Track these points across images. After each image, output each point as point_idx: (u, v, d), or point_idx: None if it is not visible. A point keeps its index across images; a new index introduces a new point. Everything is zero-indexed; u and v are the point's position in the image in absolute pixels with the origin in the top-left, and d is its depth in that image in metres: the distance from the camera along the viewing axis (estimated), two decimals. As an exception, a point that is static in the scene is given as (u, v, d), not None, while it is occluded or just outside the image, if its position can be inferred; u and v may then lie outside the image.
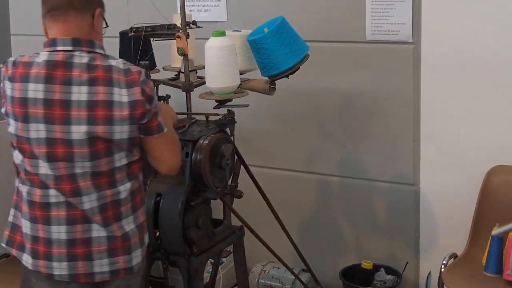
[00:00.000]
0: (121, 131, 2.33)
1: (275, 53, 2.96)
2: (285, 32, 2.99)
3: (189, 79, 3.06)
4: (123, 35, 3.20)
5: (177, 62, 3.17)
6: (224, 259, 3.95)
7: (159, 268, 2.97)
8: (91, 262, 2.40)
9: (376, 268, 3.78)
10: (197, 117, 3.06)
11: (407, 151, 3.77)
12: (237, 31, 3.15)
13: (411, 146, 3.75)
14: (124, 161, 2.40)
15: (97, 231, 2.39)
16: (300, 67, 3.01)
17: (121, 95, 2.31)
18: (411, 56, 3.65)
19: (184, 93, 3.07)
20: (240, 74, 3.02)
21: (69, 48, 2.36)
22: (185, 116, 3.07)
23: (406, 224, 3.86)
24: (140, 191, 2.52)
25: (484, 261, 3.33)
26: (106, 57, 2.40)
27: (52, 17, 2.40)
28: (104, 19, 2.51)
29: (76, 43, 2.37)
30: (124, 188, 2.42)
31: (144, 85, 2.34)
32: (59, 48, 2.36)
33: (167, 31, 3.03)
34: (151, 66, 3.20)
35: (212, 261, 3.37)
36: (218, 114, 2.98)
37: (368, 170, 3.91)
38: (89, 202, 2.37)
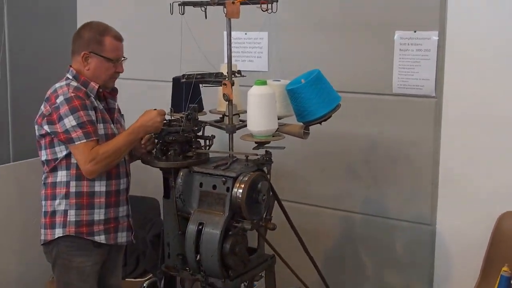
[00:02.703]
0: None
1: (310, 102, 2.97)
2: (320, 84, 3.00)
3: (232, 122, 3.09)
4: (175, 80, 3.25)
5: (223, 106, 3.21)
6: (256, 283, 3.93)
7: (199, 288, 3.00)
8: None
9: (394, 299, 3.78)
10: (238, 156, 3.08)
11: (426, 193, 3.76)
12: (277, 80, 3.17)
13: (429, 189, 3.75)
14: None
15: None
16: (332, 115, 3.03)
17: None
18: (433, 109, 3.66)
19: (228, 134, 3.11)
20: (278, 119, 3.03)
21: None
22: (228, 154, 3.11)
23: (422, 260, 3.83)
24: None
25: (493, 297, 3.32)
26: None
27: None
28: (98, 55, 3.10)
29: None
30: None
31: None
32: None
33: (215, 79, 3.07)
34: (199, 109, 3.24)
35: (246, 284, 3.38)
36: (257, 154, 2.99)
37: (389, 210, 3.91)
38: None
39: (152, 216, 4.07)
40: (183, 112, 3.07)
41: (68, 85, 3.06)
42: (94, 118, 3.04)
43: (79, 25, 3.30)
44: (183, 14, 3.01)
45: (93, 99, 3.09)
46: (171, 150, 3.00)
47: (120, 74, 3.23)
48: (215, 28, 3.55)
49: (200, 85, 3.19)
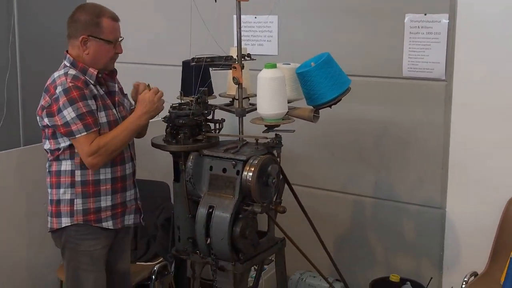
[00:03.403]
0: None
1: (320, 85, 2.95)
2: (330, 67, 2.98)
3: (242, 105, 3.07)
4: (185, 64, 3.21)
5: (232, 90, 3.18)
6: (266, 266, 3.93)
7: (209, 271, 3.00)
8: None
9: (403, 281, 3.76)
10: (248, 139, 3.08)
11: (436, 177, 3.76)
12: (287, 64, 3.15)
13: (439, 173, 3.75)
14: None
15: None
16: (342, 98, 3.01)
17: None
18: (443, 92, 3.65)
19: (237, 117, 3.09)
20: (288, 102, 3.00)
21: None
22: (238, 138, 3.10)
23: (432, 243, 3.85)
24: None
25: (502, 280, 3.30)
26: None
27: None
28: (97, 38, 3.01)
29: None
30: None
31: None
32: None
33: (225, 62, 3.04)
34: (209, 92, 3.21)
35: (256, 267, 3.39)
36: (266, 138, 2.98)
37: (399, 193, 3.91)
38: None
39: (162, 200, 4.08)
40: (193, 96, 3.05)
41: (66, 74, 2.98)
42: (94, 107, 2.98)
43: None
44: (192, -3, 3.00)
45: (93, 87, 3.03)
46: (181, 134, 2.99)
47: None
48: (225, 11, 3.53)
49: (210, 68, 3.17)
